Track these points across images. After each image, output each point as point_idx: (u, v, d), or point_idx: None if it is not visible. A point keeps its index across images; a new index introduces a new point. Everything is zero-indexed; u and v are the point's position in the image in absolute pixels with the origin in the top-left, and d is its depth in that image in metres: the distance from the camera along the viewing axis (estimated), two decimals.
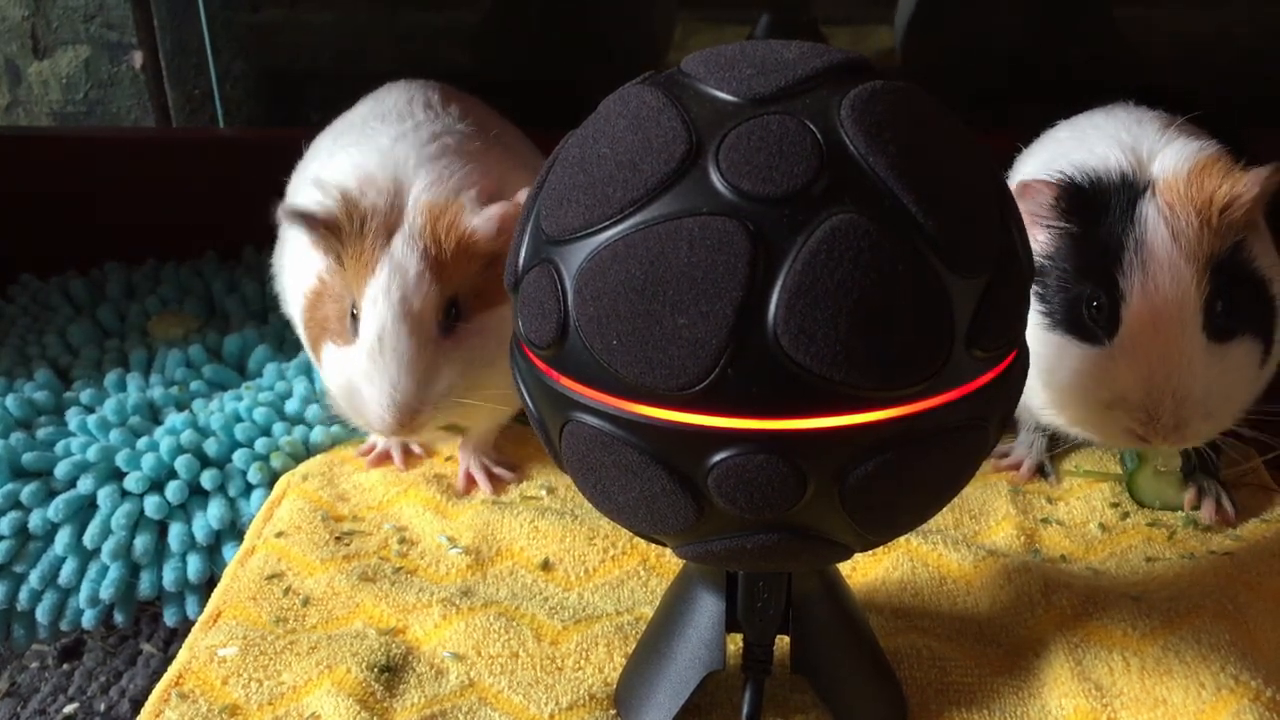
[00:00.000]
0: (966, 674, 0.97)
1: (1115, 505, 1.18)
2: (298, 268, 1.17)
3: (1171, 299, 0.98)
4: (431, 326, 1.05)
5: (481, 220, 1.07)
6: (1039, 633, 1.00)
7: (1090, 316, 1.02)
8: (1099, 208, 1.03)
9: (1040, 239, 1.06)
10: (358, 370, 1.06)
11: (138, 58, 1.84)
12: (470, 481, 1.22)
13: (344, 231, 1.06)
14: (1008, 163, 1.27)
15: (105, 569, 1.18)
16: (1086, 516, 1.17)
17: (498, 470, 1.23)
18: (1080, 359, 1.03)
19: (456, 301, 1.07)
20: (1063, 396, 1.06)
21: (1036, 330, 1.05)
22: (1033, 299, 1.05)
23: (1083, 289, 1.03)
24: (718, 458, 0.69)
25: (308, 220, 1.06)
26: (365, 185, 1.09)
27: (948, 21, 1.81)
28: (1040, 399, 1.09)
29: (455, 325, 1.07)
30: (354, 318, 1.07)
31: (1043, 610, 1.02)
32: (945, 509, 1.06)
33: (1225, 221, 0.99)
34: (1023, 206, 1.05)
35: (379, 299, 1.04)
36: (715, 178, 0.68)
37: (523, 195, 1.04)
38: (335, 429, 1.30)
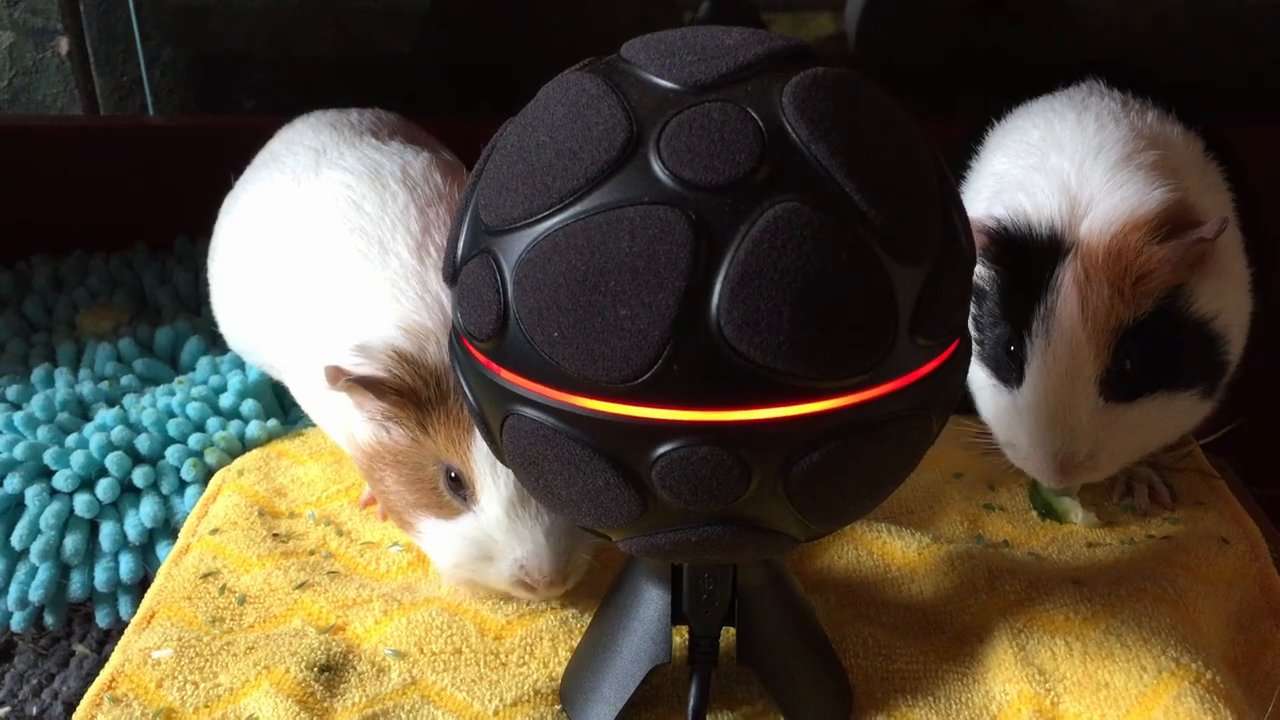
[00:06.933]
0: (911, 661, 0.97)
1: None
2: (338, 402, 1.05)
3: (1066, 372, 1.02)
4: None
5: None
6: (983, 619, 1.00)
7: (1007, 358, 1.07)
8: (1024, 261, 1.05)
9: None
10: (493, 538, 0.97)
11: (63, 44, 1.79)
12: None
13: (422, 397, 0.97)
14: (958, 150, 1.27)
15: (34, 570, 1.15)
16: (1028, 502, 1.17)
17: None
18: (995, 396, 1.09)
19: None
20: (987, 420, 1.13)
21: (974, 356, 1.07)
22: (971, 324, 1.07)
23: (1004, 331, 1.07)
24: (661, 450, 0.68)
25: (377, 389, 0.96)
26: (422, 340, 0.99)
27: (906, 5, 1.81)
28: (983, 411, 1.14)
29: None
30: (454, 481, 0.98)
31: (986, 596, 1.02)
32: (889, 496, 1.07)
33: (1139, 292, 1.01)
34: None
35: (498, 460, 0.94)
36: (656, 166, 0.67)
37: None
38: (271, 423, 1.28)
